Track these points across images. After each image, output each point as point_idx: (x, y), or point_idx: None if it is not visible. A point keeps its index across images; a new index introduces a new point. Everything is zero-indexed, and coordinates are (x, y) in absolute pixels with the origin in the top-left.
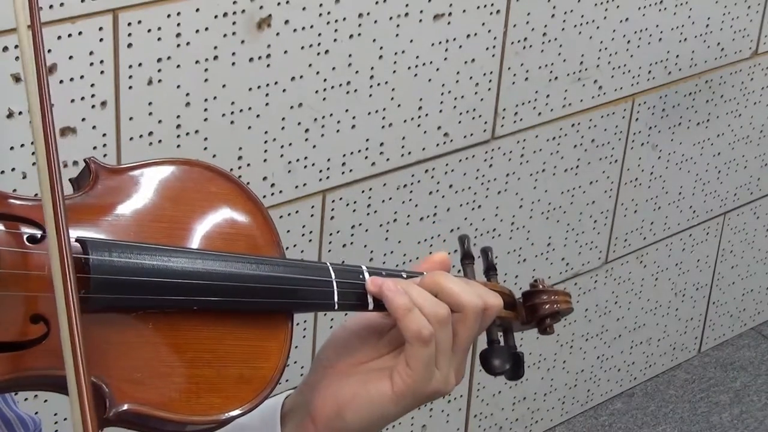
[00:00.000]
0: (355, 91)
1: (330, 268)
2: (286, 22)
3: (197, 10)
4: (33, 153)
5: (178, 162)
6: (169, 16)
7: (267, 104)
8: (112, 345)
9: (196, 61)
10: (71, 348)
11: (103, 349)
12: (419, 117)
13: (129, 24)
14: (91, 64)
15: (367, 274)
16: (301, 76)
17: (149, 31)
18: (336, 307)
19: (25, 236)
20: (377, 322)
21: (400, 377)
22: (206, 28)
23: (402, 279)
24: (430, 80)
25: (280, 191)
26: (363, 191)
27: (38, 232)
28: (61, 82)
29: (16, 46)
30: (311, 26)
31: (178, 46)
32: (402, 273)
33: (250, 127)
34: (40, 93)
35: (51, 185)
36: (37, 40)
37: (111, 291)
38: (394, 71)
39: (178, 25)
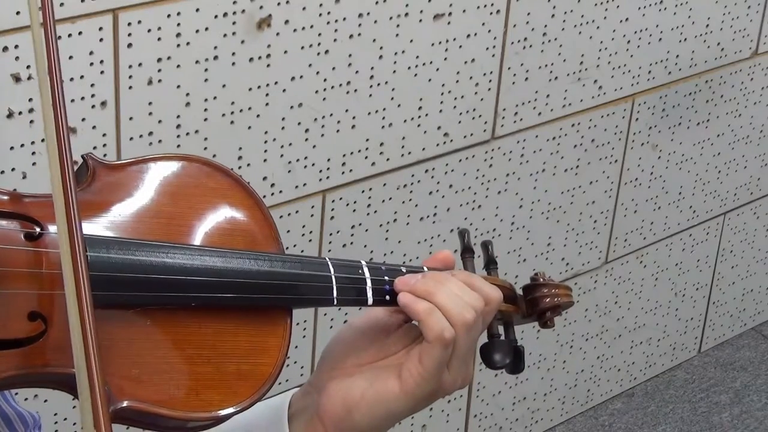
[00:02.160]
0: (355, 91)
1: (329, 263)
2: (286, 22)
3: (197, 10)
4: (33, 153)
5: (176, 158)
6: (169, 16)
7: (267, 104)
8: (110, 342)
9: (196, 61)
10: (83, 347)
11: (102, 345)
12: (419, 117)
13: (129, 24)
14: (91, 64)
15: (366, 269)
16: (301, 76)
17: (149, 31)
18: (335, 302)
19: (22, 234)
20: (384, 320)
21: (410, 374)
22: (206, 28)
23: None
24: (430, 80)
25: (280, 191)
26: (363, 191)
27: (36, 230)
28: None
29: (17, 46)
30: (311, 26)
31: (178, 46)
32: (401, 268)
33: (250, 127)
34: (53, 89)
35: (63, 186)
36: (49, 34)
37: (109, 288)
38: (394, 71)
39: (178, 25)
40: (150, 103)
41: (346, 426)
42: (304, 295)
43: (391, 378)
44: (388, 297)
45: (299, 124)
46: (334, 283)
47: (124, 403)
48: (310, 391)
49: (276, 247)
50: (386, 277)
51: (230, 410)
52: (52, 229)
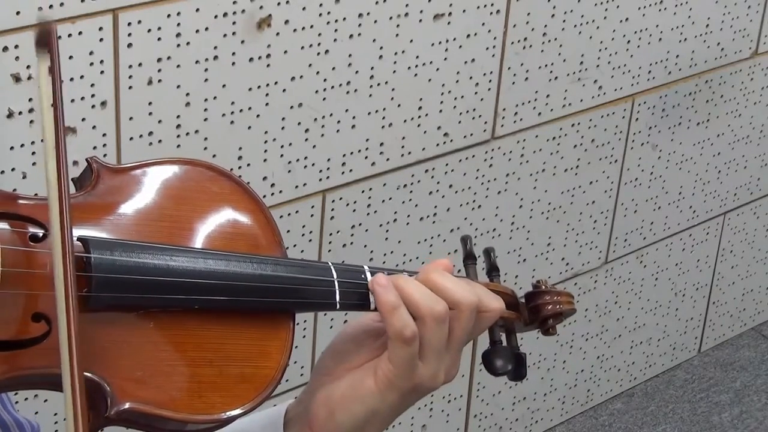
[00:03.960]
0: (355, 91)
1: (332, 267)
2: (286, 22)
3: (197, 10)
4: (33, 153)
5: (180, 161)
6: (169, 16)
7: (267, 104)
8: (113, 344)
9: (196, 61)
10: (68, 344)
11: (105, 347)
12: (419, 117)
13: (129, 24)
14: (91, 64)
15: (369, 274)
16: (301, 76)
17: (149, 31)
18: (338, 306)
19: (27, 235)
20: (373, 325)
21: (382, 372)
22: (206, 28)
23: (399, 275)
24: (430, 80)
25: (280, 191)
26: (363, 191)
27: (40, 231)
28: (61, 82)
29: (17, 46)
30: (311, 26)
31: (178, 46)
32: (404, 273)
33: (250, 127)
34: (54, 97)
35: (59, 184)
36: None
37: (112, 290)
38: (394, 71)
39: (178, 25)
40: (150, 103)
41: (331, 428)
42: (307, 299)
43: (369, 376)
44: None
45: (299, 124)
46: (336, 287)
47: (126, 405)
48: (303, 399)
49: (279, 251)
50: None
51: (232, 413)
52: None
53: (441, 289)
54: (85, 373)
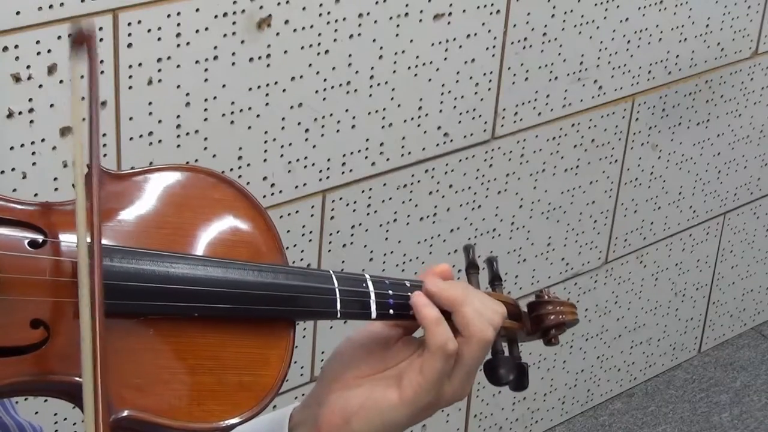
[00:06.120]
0: (355, 91)
1: (333, 276)
2: (286, 22)
3: (197, 10)
4: (33, 153)
5: (181, 168)
6: (169, 16)
7: (267, 104)
8: (112, 351)
9: (196, 61)
10: (92, 361)
11: (104, 354)
12: (419, 117)
13: (129, 24)
14: None
15: (370, 283)
16: (301, 76)
17: (149, 31)
18: (338, 315)
19: (26, 241)
20: (384, 334)
21: (409, 384)
22: (206, 28)
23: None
24: (430, 80)
25: (280, 191)
26: (363, 191)
27: (39, 237)
28: (60, 82)
29: (17, 46)
30: (311, 26)
31: (178, 46)
32: (405, 282)
33: (250, 127)
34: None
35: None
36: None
37: (111, 296)
38: (394, 71)
39: (178, 25)
40: (150, 103)
41: None
42: (308, 307)
43: (391, 387)
44: (391, 311)
45: (299, 124)
46: (337, 296)
47: (125, 413)
48: (310, 404)
49: (280, 258)
50: (390, 291)
51: (231, 421)
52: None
53: (462, 316)
54: None
